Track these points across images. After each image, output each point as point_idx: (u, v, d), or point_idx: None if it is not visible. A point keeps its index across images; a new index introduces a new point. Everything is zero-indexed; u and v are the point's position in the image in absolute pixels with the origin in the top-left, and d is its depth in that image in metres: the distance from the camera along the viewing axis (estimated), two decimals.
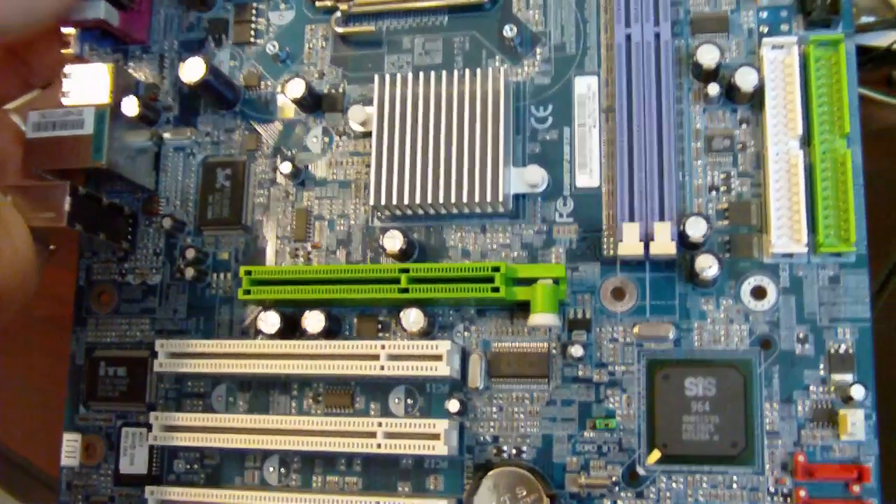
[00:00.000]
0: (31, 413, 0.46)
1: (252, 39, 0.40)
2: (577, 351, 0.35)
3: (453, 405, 0.35)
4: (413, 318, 0.35)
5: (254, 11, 0.40)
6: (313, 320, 0.36)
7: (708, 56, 0.35)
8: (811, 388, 0.34)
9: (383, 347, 0.35)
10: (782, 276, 0.35)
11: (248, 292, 0.36)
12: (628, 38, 0.36)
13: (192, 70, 0.37)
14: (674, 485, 0.34)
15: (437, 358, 0.35)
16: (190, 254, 0.39)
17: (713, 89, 0.36)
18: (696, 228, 0.34)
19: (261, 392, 0.38)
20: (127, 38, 0.40)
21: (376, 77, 0.37)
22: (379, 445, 0.35)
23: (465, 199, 0.36)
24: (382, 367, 0.35)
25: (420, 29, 0.39)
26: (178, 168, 0.40)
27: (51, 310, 0.39)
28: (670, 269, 0.35)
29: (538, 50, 0.38)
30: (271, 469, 0.37)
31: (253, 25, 0.40)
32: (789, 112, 0.35)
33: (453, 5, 0.38)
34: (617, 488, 0.35)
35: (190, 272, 0.38)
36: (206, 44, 0.41)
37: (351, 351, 0.35)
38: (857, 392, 0.33)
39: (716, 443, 0.34)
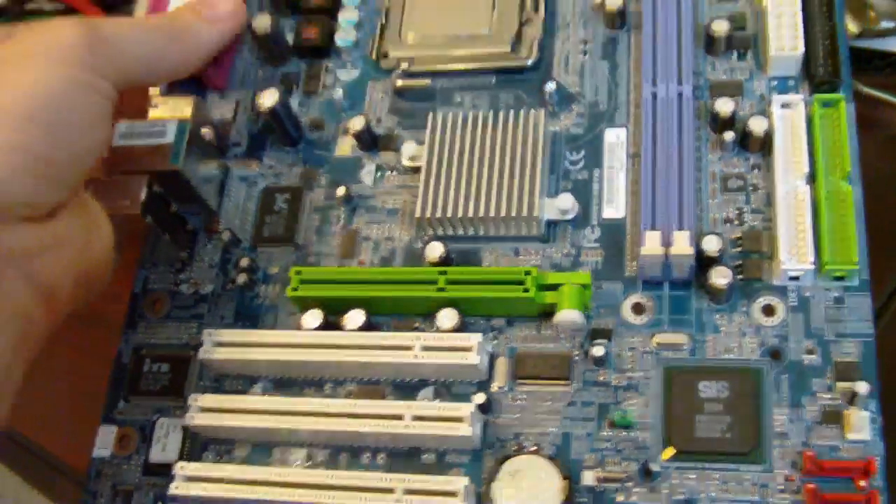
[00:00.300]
0: (54, 406, 0.47)
1: (320, 90, 0.46)
2: (598, 351, 0.37)
3: (479, 397, 0.37)
4: (447, 315, 0.38)
5: (325, 68, 0.46)
6: (354, 317, 0.39)
7: (725, 106, 0.40)
8: (818, 393, 0.36)
9: (418, 339, 0.38)
10: (790, 296, 0.38)
11: (295, 289, 0.39)
12: (654, 95, 0.41)
13: (268, 97, 0.42)
14: (686, 481, 0.35)
15: (468, 349, 0.37)
16: (244, 262, 0.42)
17: (728, 136, 0.40)
18: (711, 244, 0.37)
19: (295, 390, 0.40)
20: (207, 84, 0.46)
21: (430, 115, 0.42)
22: (406, 426, 0.36)
23: (502, 213, 0.39)
24: (416, 356, 0.37)
25: (469, 87, 0.44)
26: (241, 194, 0.44)
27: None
28: (687, 287, 0.38)
29: (573, 106, 0.43)
30: (298, 462, 0.38)
31: (322, 79, 0.46)
32: (796, 155, 0.39)
33: (500, 68, 0.44)
34: (631, 483, 0.36)
35: (242, 278, 0.41)
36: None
37: (386, 342, 0.38)
38: (862, 388, 0.35)
39: (727, 440, 0.35)
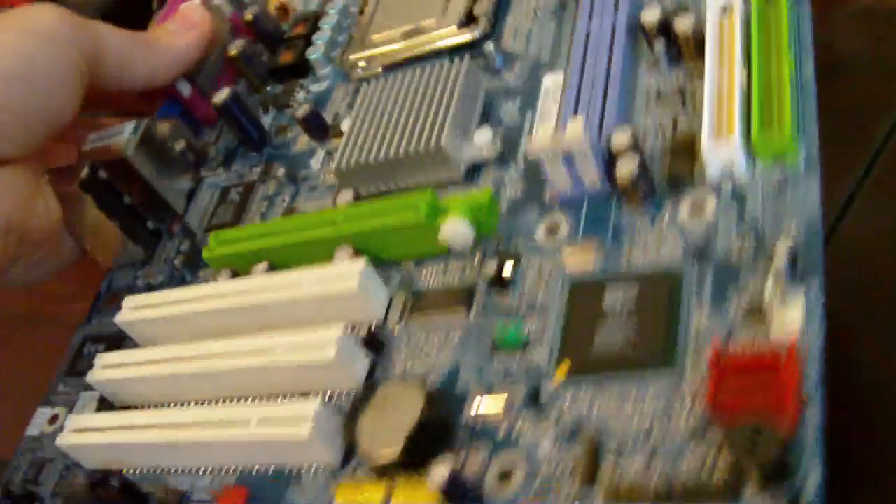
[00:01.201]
0: None
1: (291, 104, 0.46)
2: (500, 273, 0.32)
3: (362, 331, 0.33)
4: (344, 251, 0.35)
5: (299, 84, 0.47)
6: (258, 269, 0.37)
7: (650, 16, 0.36)
8: (747, 290, 0.28)
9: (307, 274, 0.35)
10: (723, 191, 0.31)
11: (211, 251, 0.38)
12: (588, 31, 0.38)
13: (221, 94, 0.44)
14: (578, 402, 0.28)
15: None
16: (184, 246, 0.42)
17: (658, 45, 0.36)
18: (620, 139, 0.32)
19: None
20: (194, 113, 0.48)
21: (361, 86, 0.41)
22: (272, 361, 0.33)
23: (410, 151, 0.36)
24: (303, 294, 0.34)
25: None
26: (206, 197, 0.45)
27: (28, 307, 0.42)
28: (607, 201, 0.33)
29: (517, 63, 0.40)
30: None
31: (294, 95, 0.47)
32: (729, 44, 0.34)
33: (450, 47, 0.43)
34: (516, 411, 0.29)
35: (179, 260, 0.41)
36: (257, 115, 0.47)
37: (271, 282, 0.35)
38: (780, 251, 0.27)
39: (630, 349, 0.29)
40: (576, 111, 0.34)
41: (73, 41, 0.40)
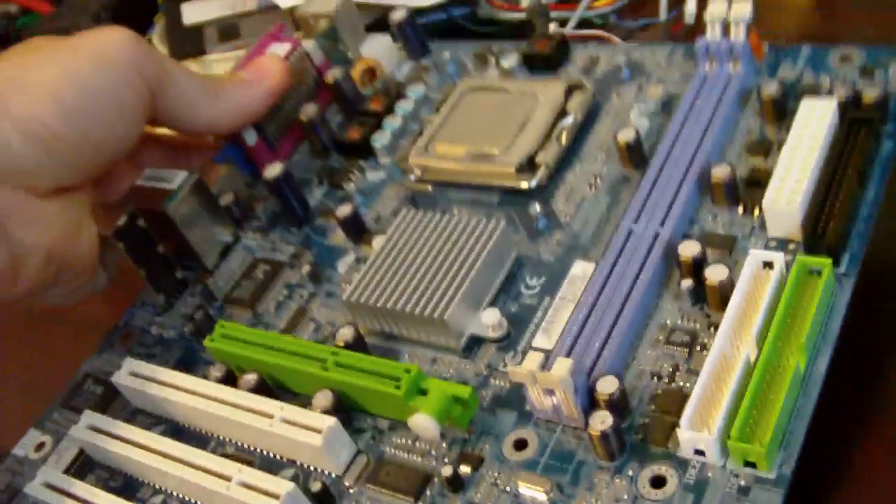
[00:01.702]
0: None
1: (343, 185, 0.46)
2: (452, 475, 0.33)
3: (315, 485, 0.34)
4: (323, 396, 0.36)
5: (358, 166, 0.47)
6: (247, 377, 0.38)
7: (687, 249, 0.35)
8: None
9: (282, 409, 0.36)
10: (689, 472, 0.31)
11: (213, 340, 0.39)
12: (630, 232, 0.37)
13: (273, 169, 0.44)
14: None
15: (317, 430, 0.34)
16: (198, 315, 0.43)
17: (685, 283, 0.35)
18: (606, 385, 0.32)
19: (186, 438, 0.39)
20: (255, 161, 0.48)
21: (401, 212, 0.41)
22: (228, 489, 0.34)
23: (415, 311, 0.37)
24: (271, 425, 0.35)
25: (473, 202, 0.43)
26: (238, 259, 0.46)
27: (46, 305, 0.44)
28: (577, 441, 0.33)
29: (557, 234, 0.40)
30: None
31: (351, 177, 0.47)
32: (749, 314, 0.33)
33: (503, 187, 0.42)
34: None
35: (189, 328, 0.43)
36: (310, 183, 0.48)
37: (245, 403, 0.36)
38: None
39: None
40: (575, 342, 0.34)
41: (139, 68, 0.39)
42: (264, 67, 0.46)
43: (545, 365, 0.32)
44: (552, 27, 0.51)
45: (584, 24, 0.53)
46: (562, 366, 0.32)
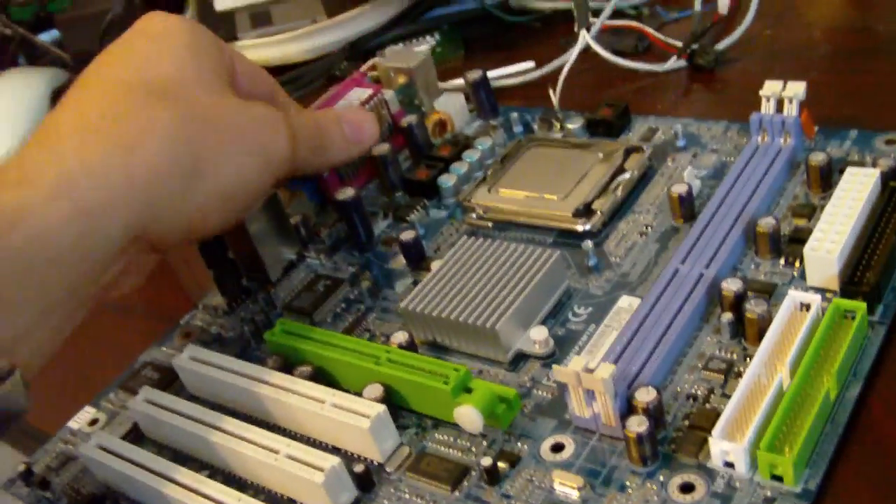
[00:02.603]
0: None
1: (407, 219, 0.49)
2: (491, 468, 0.34)
3: (359, 466, 0.36)
4: (373, 388, 0.38)
5: (423, 204, 0.50)
6: (302, 369, 0.40)
7: (730, 285, 0.37)
8: None
9: (333, 395, 0.38)
10: (717, 481, 0.32)
11: (273, 333, 0.42)
12: (676, 271, 0.40)
13: (345, 192, 0.47)
14: None
15: (365, 415, 0.36)
16: (258, 317, 0.45)
17: (725, 317, 0.37)
18: (644, 395, 0.34)
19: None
20: (326, 191, 0.51)
21: (463, 238, 0.44)
22: (276, 460, 0.36)
23: (466, 321, 0.39)
24: (322, 409, 0.37)
25: (528, 240, 0.45)
26: (300, 276, 0.48)
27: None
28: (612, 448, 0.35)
29: (606, 272, 0.42)
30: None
31: (414, 213, 0.50)
32: (784, 344, 0.35)
33: (558, 228, 0.45)
34: None
35: (248, 328, 0.45)
36: (376, 216, 0.51)
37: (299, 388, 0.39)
38: None
39: None
40: (618, 360, 0.36)
41: (294, 154, 0.44)
42: (364, 129, 0.49)
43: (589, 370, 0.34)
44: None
45: (617, 14, 0.55)
46: (605, 369, 0.34)
